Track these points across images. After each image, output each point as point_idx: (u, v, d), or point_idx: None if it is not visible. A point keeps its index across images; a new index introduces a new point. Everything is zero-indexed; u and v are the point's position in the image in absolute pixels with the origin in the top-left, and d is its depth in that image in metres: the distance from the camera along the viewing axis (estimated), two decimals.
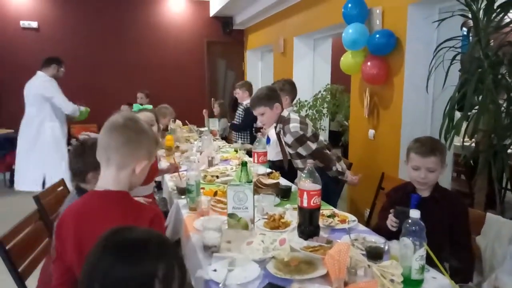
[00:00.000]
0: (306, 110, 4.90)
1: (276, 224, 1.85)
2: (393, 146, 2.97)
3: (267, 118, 2.65)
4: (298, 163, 2.67)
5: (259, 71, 7.25)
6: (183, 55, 7.03)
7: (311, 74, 5.19)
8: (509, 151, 2.52)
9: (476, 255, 1.79)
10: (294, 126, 2.50)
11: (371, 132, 3.32)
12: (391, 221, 1.64)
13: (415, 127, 2.84)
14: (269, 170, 2.73)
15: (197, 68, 7.18)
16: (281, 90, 2.92)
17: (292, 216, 1.92)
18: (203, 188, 2.32)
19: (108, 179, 1.21)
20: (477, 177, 2.29)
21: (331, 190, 2.73)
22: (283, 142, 2.69)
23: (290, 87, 3.12)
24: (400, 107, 2.95)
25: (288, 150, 2.68)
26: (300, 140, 2.52)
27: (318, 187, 1.68)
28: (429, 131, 2.82)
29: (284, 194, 2.28)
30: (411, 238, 1.31)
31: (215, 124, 4.68)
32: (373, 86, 3.25)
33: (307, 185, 1.68)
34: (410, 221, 1.32)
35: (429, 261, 1.35)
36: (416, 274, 1.31)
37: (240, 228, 1.74)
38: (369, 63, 3.15)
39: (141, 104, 5.50)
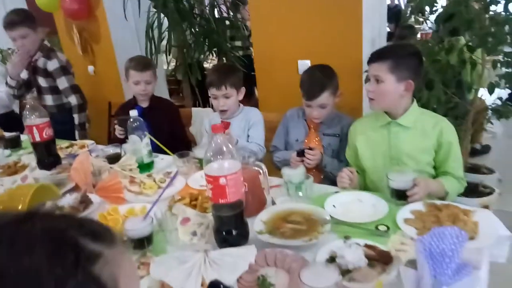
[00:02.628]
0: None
1: (13, 170, 1.83)
2: (114, 76, 3.21)
3: (30, 42, 2.36)
4: (49, 99, 2.55)
5: None
6: None
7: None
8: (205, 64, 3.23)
9: (192, 140, 2.39)
10: (61, 54, 2.55)
11: (91, 68, 3.41)
12: (118, 130, 1.95)
13: (129, 53, 3.12)
14: None
15: None
16: None
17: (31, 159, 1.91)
18: None
19: None
20: (183, 86, 2.90)
21: None
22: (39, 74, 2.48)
23: None
24: (109, 39, 3.14)
25: (43, 83, 2.50)
26: (65, 69, 2.47)
27: (46, 119, 1.75)
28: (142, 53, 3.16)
29: (13, 144, 2.18)
30: (136, 133, 1.66)
31: None
32: (79, 22, 3.26)
33: (34, 121, 1.73)
34: (131, 119, 1.65)
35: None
36: (147, 158, 1.70)
37: None
38: None
39: None
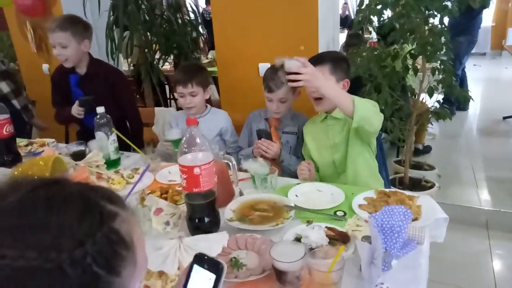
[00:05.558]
0: None
1: None
2: None
3: None
4: None
5: None
6: None
7: None
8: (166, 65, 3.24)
9: (155, 139, 2.42)
10: None
11: (45, 66, 3.30)
12: (78, 110, 1.97)
13: None
14: None
15: None
16: None
17: None
18: None
19: None
20: (143, 86, 2.91)
21: None
22: None
23: None
24: None
25: None
26: None
27: (6, 116, 1.72)
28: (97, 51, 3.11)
29: None
30: (102, 129, 1.67)
31: None
32: (33, 19, 3.15)
33: None
34: (98, 116, 1.66)
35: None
36: (113, 155, 1.72)
37: None
38: None
39: None
